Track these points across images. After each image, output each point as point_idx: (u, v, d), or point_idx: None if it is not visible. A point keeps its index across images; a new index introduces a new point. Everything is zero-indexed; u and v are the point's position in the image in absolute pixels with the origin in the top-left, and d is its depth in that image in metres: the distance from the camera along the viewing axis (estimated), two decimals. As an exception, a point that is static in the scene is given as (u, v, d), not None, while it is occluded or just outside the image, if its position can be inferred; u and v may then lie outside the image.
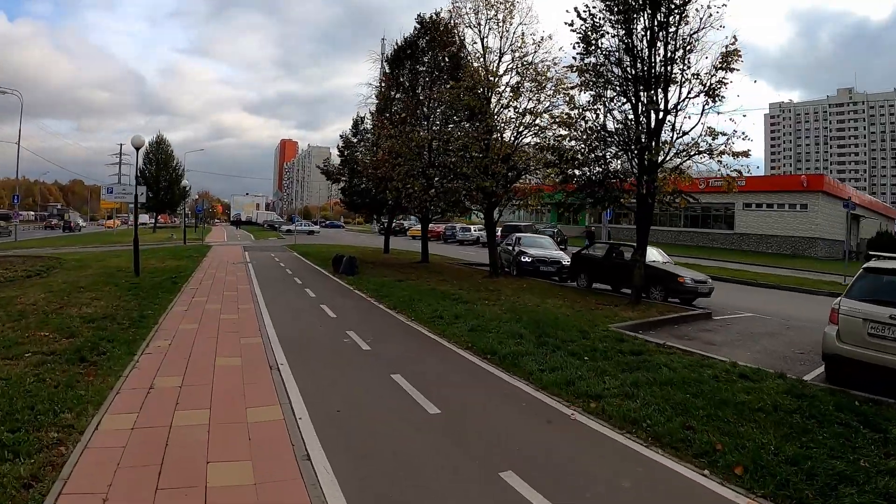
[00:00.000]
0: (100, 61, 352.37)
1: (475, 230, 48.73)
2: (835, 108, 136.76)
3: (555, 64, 18.00)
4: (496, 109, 18.91)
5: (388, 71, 25.20)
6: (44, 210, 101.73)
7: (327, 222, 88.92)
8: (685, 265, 18.07)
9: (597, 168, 15.28)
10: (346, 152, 26.02)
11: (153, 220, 65.36)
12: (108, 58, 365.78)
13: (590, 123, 14.99)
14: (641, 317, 12.10)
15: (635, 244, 14.87)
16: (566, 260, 19.85)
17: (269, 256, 26.35)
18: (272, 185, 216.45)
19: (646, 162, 13.62)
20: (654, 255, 16.15)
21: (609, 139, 14.76)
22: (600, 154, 15.07)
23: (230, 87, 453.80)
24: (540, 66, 18.09)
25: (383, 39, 66.37)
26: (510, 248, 22.26)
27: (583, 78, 14.64)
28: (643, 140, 13.71)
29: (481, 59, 19.16)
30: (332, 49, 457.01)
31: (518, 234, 24.58)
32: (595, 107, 14.70)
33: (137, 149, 17.85)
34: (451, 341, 9.70)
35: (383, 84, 25.11)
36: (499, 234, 46.36)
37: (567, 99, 15.90)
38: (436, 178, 19.00)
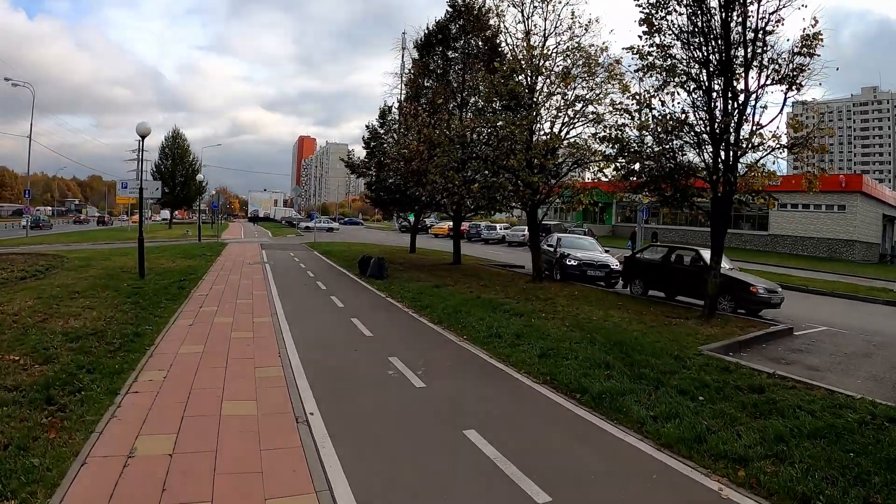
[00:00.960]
0: (119, 58, 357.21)
1: (501, 229, 46.75)
2: (859, 108, 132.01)
3: (604, 49, 15.91)
4: (540, 98, 16.76)
5: (417, 57, 23.21)
6: (61, 205, 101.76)
7: (346, 219, 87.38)
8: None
9: (665, 163, 13.16)
10: (372, 144, 23.94)
11: (171, 216, 64.20)
12: (126, 55, 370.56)
13: (654, 112, 13.07)
14: (725, 335, 10.50)
15: (694, 248, 13.28)
16: (615, 264, 18.17)
17: (287, 256, 24.44)
18: (290, 182, 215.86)
19: (729, 157, 11.89)
20: (707, 258, 14.38)
21: (679, 130, 12.71)
22: (668, 147, 13.05)
23: (249, 83, 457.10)
24: (591, 49, 15.98)
25: (404, 34, 64.36)
26: (550, 249, 20.32)
27: (646, 61, 12.65)
28: (725, 132, 11.72)
29: (524, 42, 16.99)
30: (350, 46, 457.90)
31: (558, 235, 22.48)
32: (661, 94, 12.74)
33: (143, 137, 15.98)
34: (521, 371, 7.77)
35: (412, 71, 23.13)
36: (525, 234, 44.87)
37: (621, 87, 14.41)
38: (478, 173, 16.83)
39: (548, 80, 16.75)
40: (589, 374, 7.26)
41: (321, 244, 31.42)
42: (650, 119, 13.08)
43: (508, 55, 17.42)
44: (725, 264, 14.42)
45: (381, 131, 24.07)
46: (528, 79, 16.71)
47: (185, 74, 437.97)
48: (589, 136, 16.32)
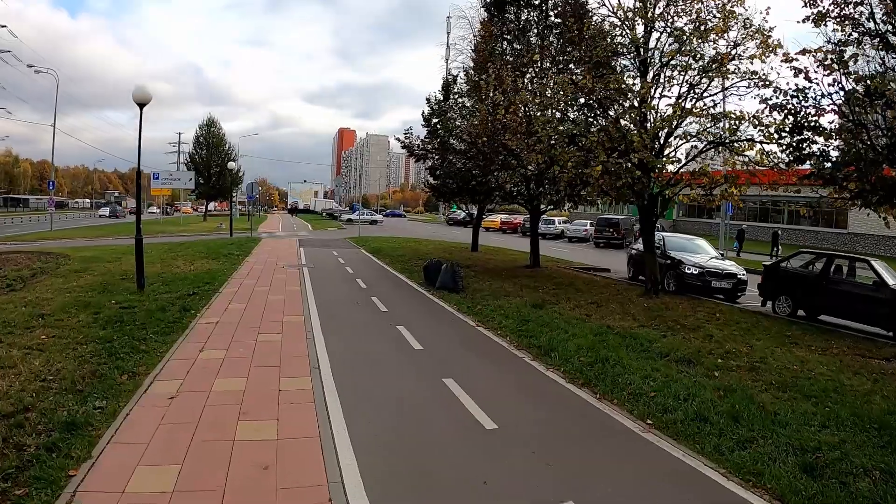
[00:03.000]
0: (159, 54, 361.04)
1: (559, 223, 42.12)
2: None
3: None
4: (657, 57, 12.42)
5: (486, 18, 18.80)
6: (101, 197, 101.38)
7: (388, 211, 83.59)
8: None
9: (857, 142, 9.17)
10: (433, 121, 19.50)
11: (208, 208, 61.44)
12: (166, 50, 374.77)
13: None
14: None
15: (860, 256, 11.86)
16: (742, 273, 14.60)
17: (330, 256, 20.33)
18: (330, 174, 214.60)
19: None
20: (882, 272, 11.05)
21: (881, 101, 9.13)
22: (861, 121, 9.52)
23: (288, 76, 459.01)
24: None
25: (448, 17, 59.82)
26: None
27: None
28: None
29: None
30: (388, 38, 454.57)
31: (663, 234, 17.81)
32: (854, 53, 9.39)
33: (141, 105, 11.94)
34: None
35: (480, 34, 18.68)
36: (587, 229, 39.91)
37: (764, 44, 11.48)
38: (590, 152, 12.30)
39: (666, 33, 12.40)
40: None
41: (367, 240, 27.30)
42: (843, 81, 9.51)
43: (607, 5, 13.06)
44: (890, 278, 10.88)
45: (447, 105, 19.54)
46: (643, 30, 12.61)
47: (224, 68, 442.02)
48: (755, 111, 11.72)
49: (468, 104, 18.14)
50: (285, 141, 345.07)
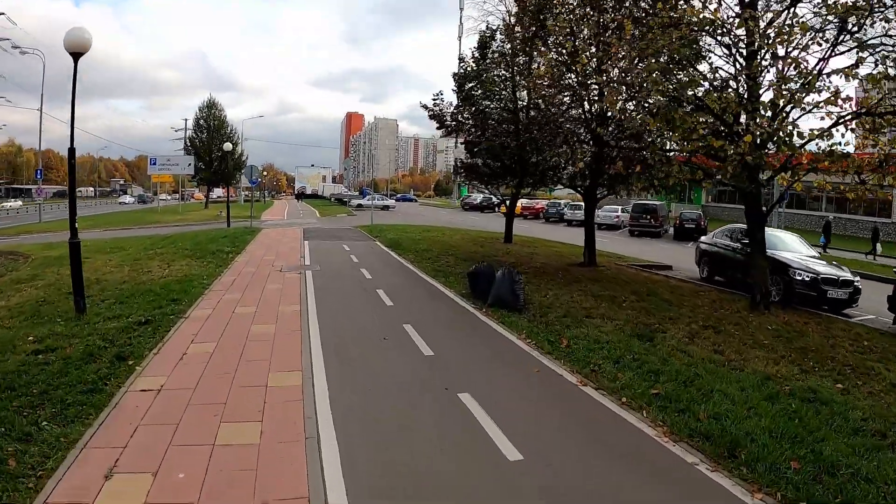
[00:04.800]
0: (164, 41, 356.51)
1: (587, 209, 38.20)
2: None
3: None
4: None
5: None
6: (106, 185, 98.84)
7: (399, 196, 79.90)
8: None
9: None
10: (467, 87, 15.67)
11: (216, 195, 58.00)
12: (171, 37, 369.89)
13: None
14: None
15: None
16: (857, 280, 11.70)
17: (340, 252, 16.77)
18: (339, 158, 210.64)
19: None
20: None
21: None
22: None
23: (295, 61, 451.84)
24: None
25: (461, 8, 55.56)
26: (729, 248, 13.54)
27: None
28: None
29: None
30: (395, 21, 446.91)
31: (733, 226, 14.43)
32: None
33: (75, 56, 8.32)
34: None
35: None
36: (618, 215, 36.06)
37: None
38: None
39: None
40: None
41: (382, 229, 23.67)
42: None
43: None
44: None
45: (484, 66, 15.62)
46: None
47: (230, 55, 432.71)
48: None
49: (518, 60, 14.20)
50: (293, 127, 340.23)
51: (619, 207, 37.46)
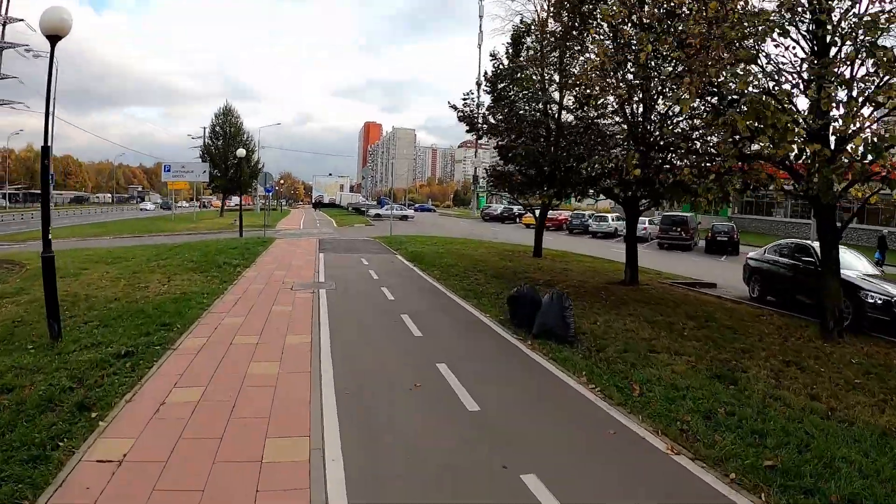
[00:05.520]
0: (183, 49, 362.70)
1: (613, 220, 36.96)
2: None
3: None
4: None
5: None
6: (124, 192, 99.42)
7: (417, 206, 78.56)
8: None
9: None
10: (500, 86, 14.18)
11: (232, 203, 57.21)
12: (191, 45, 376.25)
13: None
14: None
15: None
16: None
17: (358, 267, 15.37)
18: (356, 168, 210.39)
19: None
20: None
21: None
22: None
23: (314, 72, 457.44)
24: None
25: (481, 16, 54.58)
26: (784, 265, 12.32)
27: None
28: None
29: None
30: (412, 31, 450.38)
31: (809, 243, 12.81)
32: None
33: (52, 39, 7.01)
34: None
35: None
36: (646, 227, 34.25)
37: None
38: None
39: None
40: None
41: (402, 241, 22.25)
42: None
43: None
44: None
45: (517, 64, 14.04)
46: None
47: (250, 64, 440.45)
48: None
49: (552, 59, 12.69)
50: (312, 136, 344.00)
51: (647, 219, 35.86)
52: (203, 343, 7.08)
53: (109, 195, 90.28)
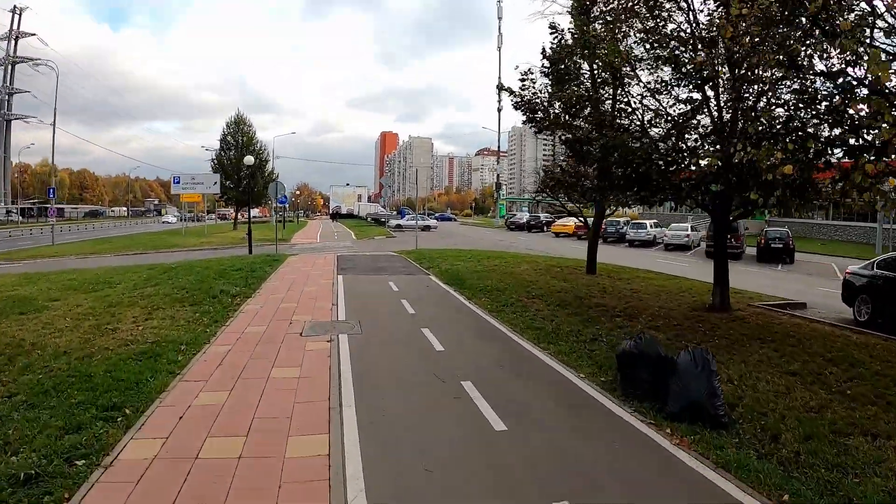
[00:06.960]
0: (202, 65, 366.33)
1: (651, 227, 34.09)
2: None
3: None
4: None
5: None
6: (140, 205, 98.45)
7: (438, 215, 75.89)
8: None
9: None
10: (564, 64, 11.11)
11: (247, 215, 54.98)
12: (210, 61, 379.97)
13: None
14: None
15: None
16: None
17: (386, 293, 12.58)
18: (374, 178, 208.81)
19: None
20: None
21: None
22: None
23: (332, 82, 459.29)
24: None
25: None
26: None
27: None
28: None
29: None
30: (429, 41, 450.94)
31: None
32: None
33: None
34: None
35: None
36: (689, 234, 31.18)
37: None
38: None
39: None
40: None
41: (432, 257, 19.41)
42: None
43: None
44: None
45: (588, 34, 10.88)
46: None
47: (268, 76, 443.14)
48: None
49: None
50: (330, 146, 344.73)
51: (688, 226, 32.84)
52: (154, 454, 4.32)
53: (125, 209, 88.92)
